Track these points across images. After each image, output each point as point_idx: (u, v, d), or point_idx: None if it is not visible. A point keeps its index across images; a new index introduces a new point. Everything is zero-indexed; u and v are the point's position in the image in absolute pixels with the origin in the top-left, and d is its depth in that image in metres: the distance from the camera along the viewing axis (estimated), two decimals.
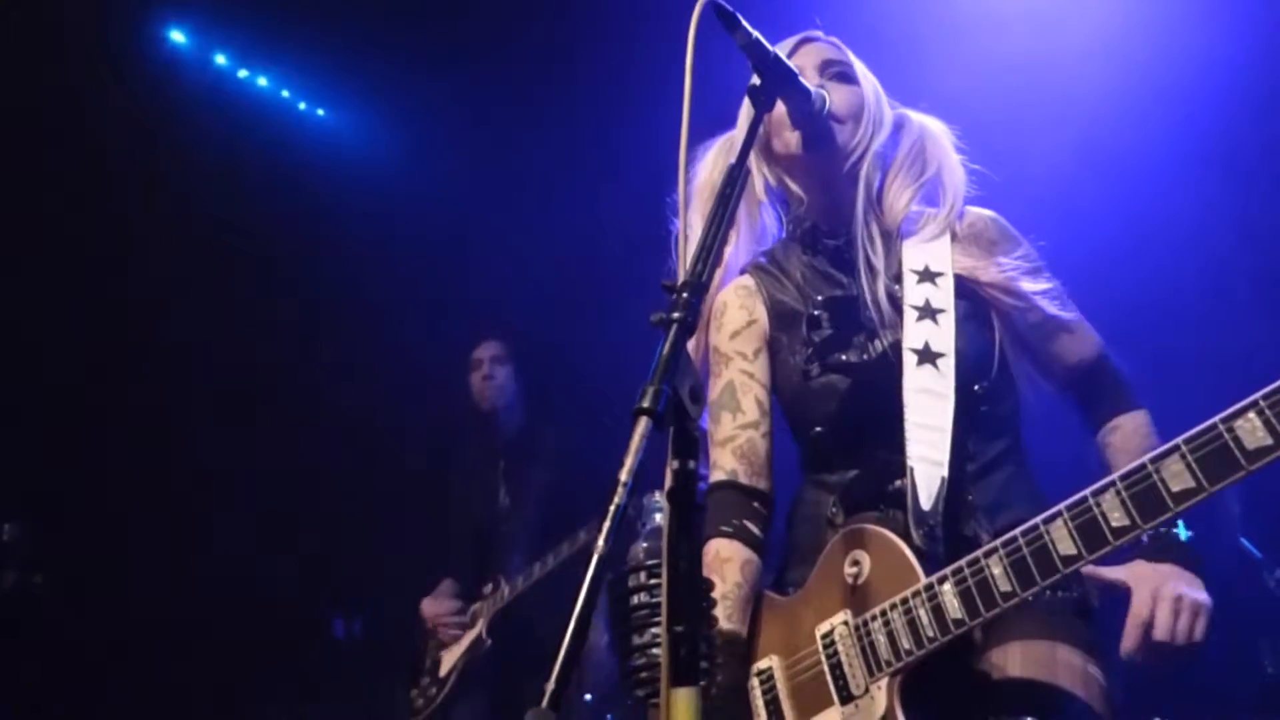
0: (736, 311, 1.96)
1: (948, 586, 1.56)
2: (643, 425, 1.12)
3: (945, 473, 1.68)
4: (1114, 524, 1.39)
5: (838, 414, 1.84)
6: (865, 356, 1.83)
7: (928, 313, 1.79)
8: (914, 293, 1.81)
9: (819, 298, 1.89)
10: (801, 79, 1.64)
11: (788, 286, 1.95)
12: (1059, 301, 1.83)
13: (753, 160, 1.93)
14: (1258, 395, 1.30)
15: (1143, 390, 1.83)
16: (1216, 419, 1.33)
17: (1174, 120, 4.12)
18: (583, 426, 3.99)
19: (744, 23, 1.54)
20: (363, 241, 5.06)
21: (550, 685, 0.93)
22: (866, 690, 1.62)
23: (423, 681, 3.95)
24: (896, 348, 1.79)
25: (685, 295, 1.27)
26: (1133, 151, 4.12)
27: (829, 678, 1.67)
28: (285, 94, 5.40)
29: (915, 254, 1.86)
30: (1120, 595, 1.59)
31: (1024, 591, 1.48)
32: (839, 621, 1.68)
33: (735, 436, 1.87)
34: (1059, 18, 4.27)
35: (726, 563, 1.79)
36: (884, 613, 1.62)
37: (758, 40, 1.56)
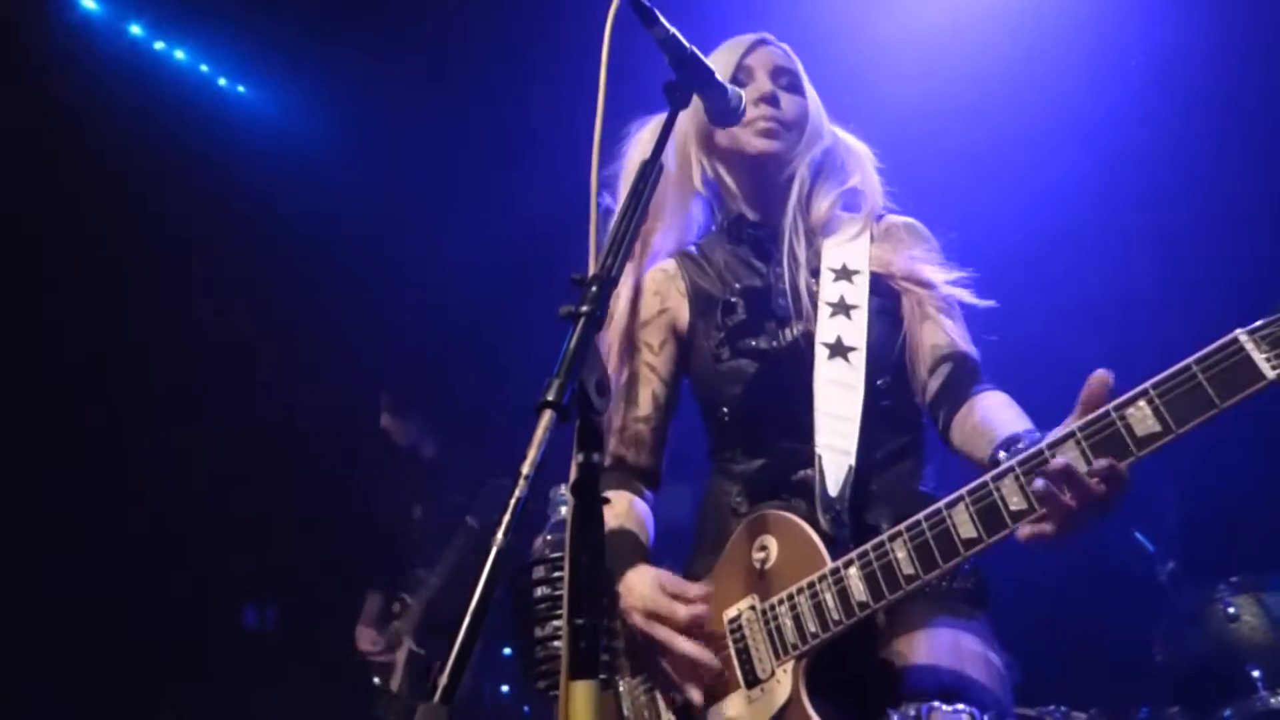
0: (651, 298, 2.02)
1: (853, 570, 1.58)
2: (546, 418, 1.13)
3: (853, 461, 1.72)
4: (1013, 507, 1.42)
5: (744, 397, 1.88)
6: (775, 344, 1.87)
7: (841, 308, 1.84)
8: (830, 289, 1.86)
9: (737, 285, 1.94)
10: (717, 77, 1.65)
11: (709, 273, 2.00)
12: (959, 293, 1.87)
13: (692, 151, 2.00)
14: (1148, 384, 1.34)
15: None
16: (1109, 406, 1.36)
17: (1082, 121, 4.25)
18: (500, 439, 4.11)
19: (661, 18, 1.55)
20: (282, 223, 4.94)
21: (443, 680, 0.93)
22: (772, 674, 1.64)
23: (391, 704, 4.20)
24: (808, 338, 1.84)
25: (594, 289, 1.28)
26: (1040, 151, 4.22)
27: (735, 662, 1.69)
28: (204, 68, 5.24)
29: (834, 253, 1.91)
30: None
31: (926, 574, 1.51)
32: (746, 607, 1.71)
33: (626, 427, 1.98)
34: (974, 19, 4.35)
35: (616, 499, 1.88)
36: (790, 597, 1.65)
37: (674, 36, 1.57)
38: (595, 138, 1.40)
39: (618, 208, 1.92)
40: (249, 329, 4.93)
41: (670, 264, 2.05)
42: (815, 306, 1.85)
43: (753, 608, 1.70)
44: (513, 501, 1.06)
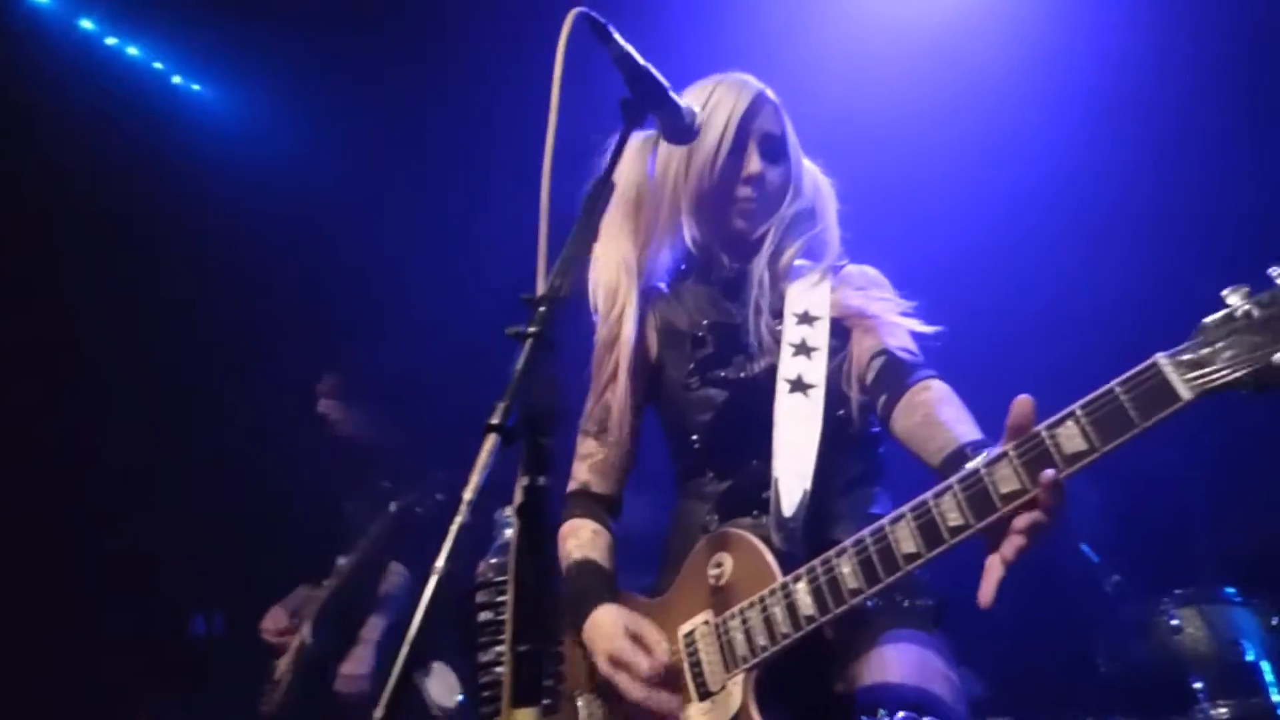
0: (608, 300, 2.06)
1: (801, 585, 1.64)
2: (490, 442, 1.12)
3: (808, 485, 1.79)
4: (950, 524, 1.48)
5: (713, 424, 1.98)
6: (742, 375, 1.98)
7: (803, 350, 1.94)
8: (793, 332, 1.96)
9: (705, 321, 2.05)
10: (672, 94, 1.64)
11: (679, 311, 2.10)
12: (906, 322, 1.93)
13: (682, 206, 2.04)
14: (1075, 405, 1.39)
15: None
16: (1041, 426, 1.42)
17: (1028, 135, 4.31)
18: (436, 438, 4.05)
19: (616, 36, 1.54)
20: (236, 223, 4.85)
21: (380, 712, 0.91)
22: (723, 686, 1.69)
23: (265, 689, 4.02)
24: (771, 372, 1.93)
25: (543, 309, 1.27)
26: (985, 164, 4.27)
27: (688, 676, 1.75)
28: (158, 66, 5.14)
29: (798, 298, 2.01)
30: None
31: (870, 588, 1.56)
32: (700, 621, 1.77)
33: (595, 455, 2.08)
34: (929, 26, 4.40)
35: (581, 527, 2.01)
36: (742, 611, 1.70)
37: (629, 53, 1.56)
38: (546, 155, 1.39)
39: (623, 213, 2.06)
40: (198, 328, 4.84)
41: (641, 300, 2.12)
42: (778, 345, 1.95)
43: (706, 622, 1.75)
44: (454, 527, 1.05)
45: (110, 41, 4.95)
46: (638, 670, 1.71)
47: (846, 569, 1.58)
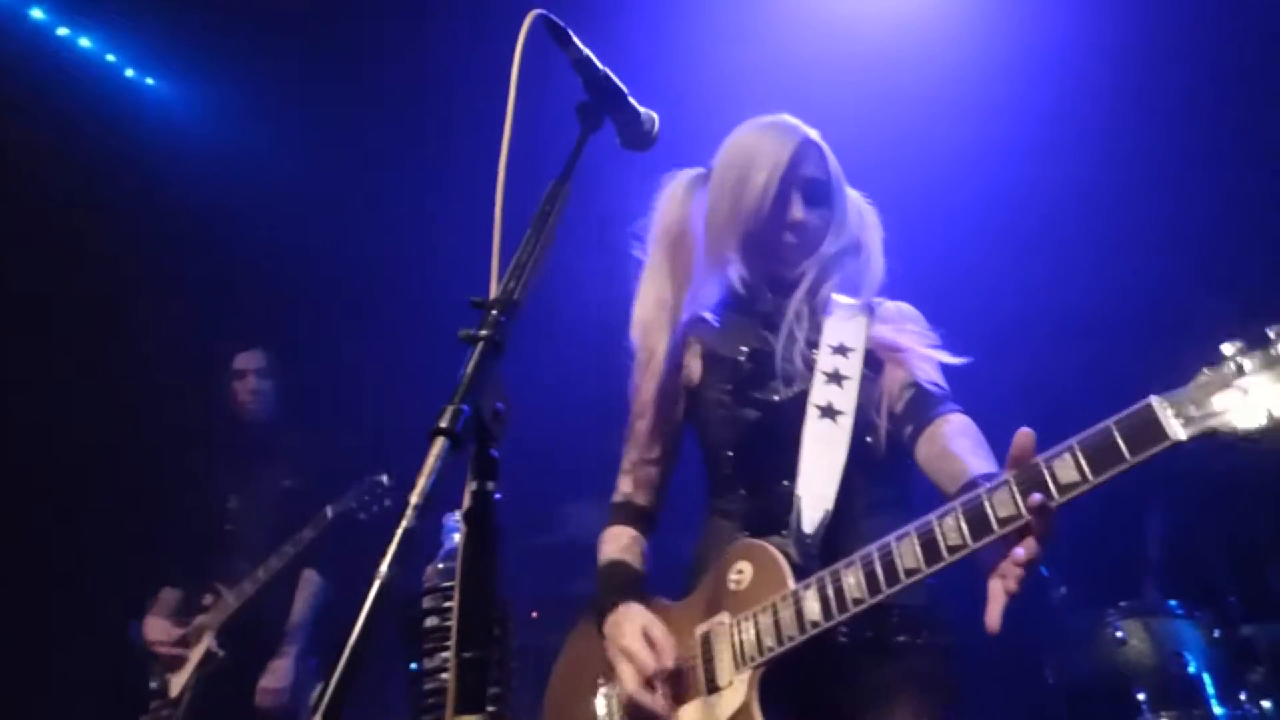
0: (641, 335, 2.22)
1: (810, 592, 1.76)
2: (439, 445, 1.10)
3: (830, 506, 1.90)
4: (949, 543, 1.59)
5: (745, 442, 2.09)
6: (775, 398, 2.08)
7: (835, 379, 2.05)
8: (826, 361, 2.07)
9: (745, 348, 2.15)
10: (631, 100, 1.64)
11: (722, 339, 2.20)
12: (936, 354, 2.05)
13: (729, 245, 2.15)
14: (1073, 440, 1.49)
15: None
16: (1040, 458, 1.52)
17: (997, 129, 4.36)
18: (341, 429, 3.95)
19: (575, 39, 1.54)
20: (188, 220, 4.77)
21: (317, 718, 0.89)
22: (731, 682, 1.82)
23: (152, 705, 3.78)
24: (802, 397, 2.03)
25: (495, 313, 1.25)
26: (955, 159, 4.32)
27: (700, 670, 1.88)
28: (111, 58, 5.05)
29: (834, 330, 2.11)
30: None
31: (871, 598, 1.67)
32: (716, 622, 1.90)
33: (638, 468, 2.22)
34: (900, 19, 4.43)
35: (620, 533, 2.16)
36: (755, 615, 1.83)
37: (588, 57, 1.56)
38: (501, 157, 1.37)
39: (669, 255, 2.20)
40: (143, 332, 4.74)
41: (690, 336, 2.25)
42: (811, 372, 2.06)
43: (722, 623, 1.89)
44: (399, 531, 1.03)
45: (62, 33, 4.86)
46: (642, 666, 1.85)
47: (851, 580, 1.70)
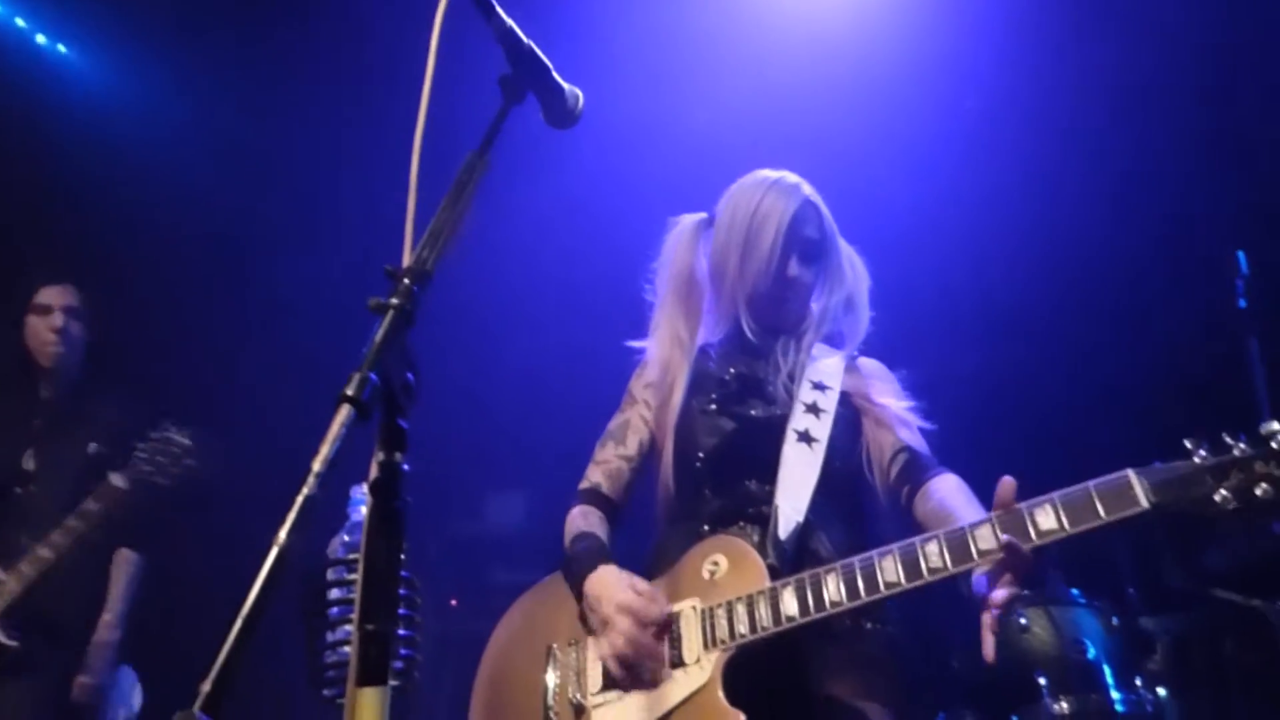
0: (662, 370, 2.38)
1: (789, 591, 1.89)
2: (344, 413, 1.08)
3: (801, 518, 2.08)
4: (931, 564, 1.78)
5: (719, 448, 2.23)
6: (753, 413, 2.26)
7: (813, 410, 2.24)
8: (807, 394, 2.26)
9: (732, 370, 2.33)
10: (555, 75, 1.63)
11: (712, 365, 2.37)
12: (910, 418, 2.26)
13: (737, 294, 2.32)
14: (1055, 494, 1.71)
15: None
16: (1022, 505, 1.74)
17: (928, 128, 4.44)
18: (155, 401, 3.58)
19: (499, 10, 1.52)
20: (101, 191, 4.61)
21: (206, 687, 0.87)
22: (698, 660, 1.92)
23: None
24: (781, 420, 2.22)
25: (407, 281, 1.24)
26: (885, 159, 4.39)
27: (667, 647, 1.98)
28: (20, 23, 4.85)
29: (816, 371, 2.31)
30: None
31: (849, 603, 1.82)
32: (688, 606, 2.00)
33: (610, 461, 2.34)
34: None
35: (589, 511, 2.27)
36: (729, 604, 1.94)
37: (511, 29, 1.54)
38: (418, 126, 1.35)
39: (677, 301, 2.38)
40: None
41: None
42: (792, 400, 2.24)
43: (694, 607, 1.99)
44: (300, 499, 1.00)
45: None
46: (645, 615, 1.95)
47: (832, 584, 1.85)
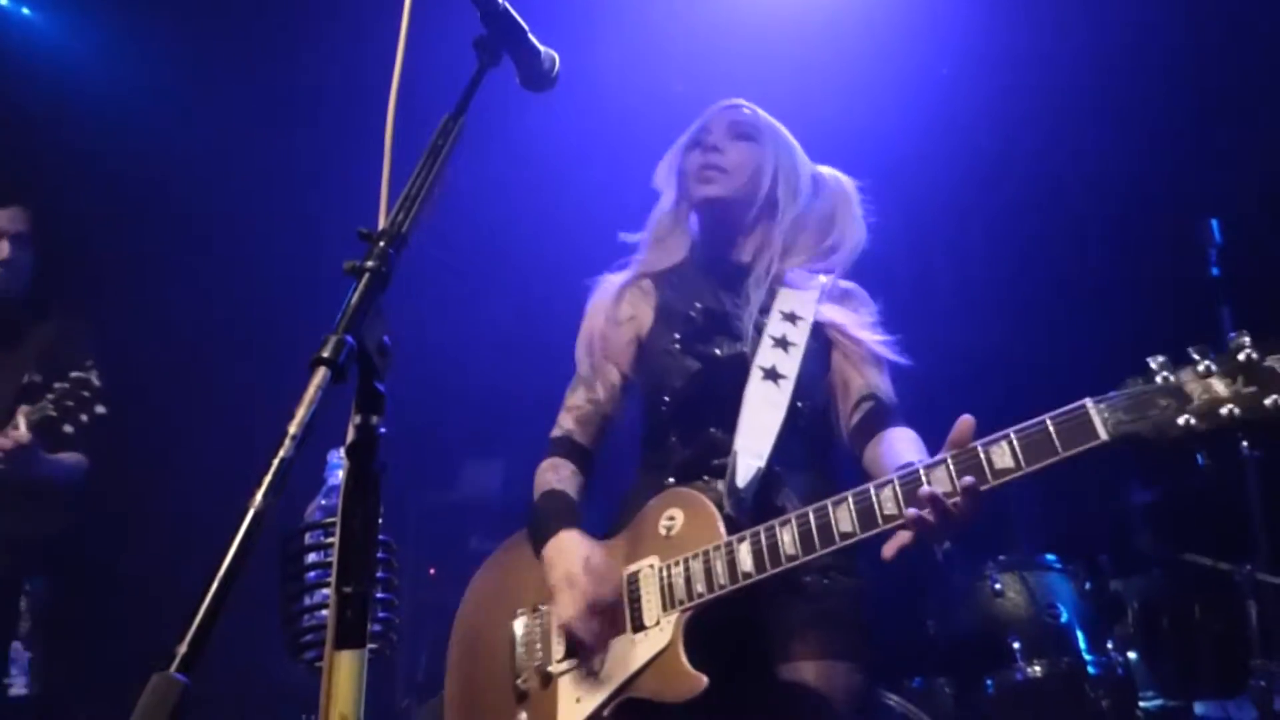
0: (625, 306, 2.32)
1: (744, 545, 1.83)
2: (320, 375, 1.07)
3: (762, 464, 1.99)
4: (885, 511, 1.69)
5: (684, 390, 2.17)
6: (718, 353, 2.18)
7: (781, 344, 2.15)
8: (776, 327, 2.17)
9: (699, 305, 2.25)
10: (531, 37, 1.61)
11: (677, 292, 2.30)
12: (884, 351, 2.16)
13: (682, 197, 2.31)
14: (1010, 430, 1.62)
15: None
16: (978, 443, 1.64)
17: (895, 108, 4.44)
18: (101, 333, 3.48)
19: None
20: (66, 158, 4.52)
21: (182, 648, 0.86)
22: (658, 622, 1.89)
23: None
24: (744, 357, 2.14)
25: (382, 244, 1.23)
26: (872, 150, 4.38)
27: (626, 609, 1.95)
28: None
29: (788, 300, 2.21)
30: None
31: (805, 556, 1.77)
32: (646, 565, 1.96)
33: (582, 407, 2.28)
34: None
35: (560, 464, 2.22)
36: (685, 561, 1.90)
37: None
38: (393, 87, 1.34)
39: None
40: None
41: (647, 283, 2.35)
42: (761, 336, 2.15)
43: (651, 566, 1.95)
44: (276, 461, 1.00)
45: None
46: (585, 593, 1.91)
47: (786, 537, 1.78)
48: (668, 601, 1.89)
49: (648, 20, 4.34)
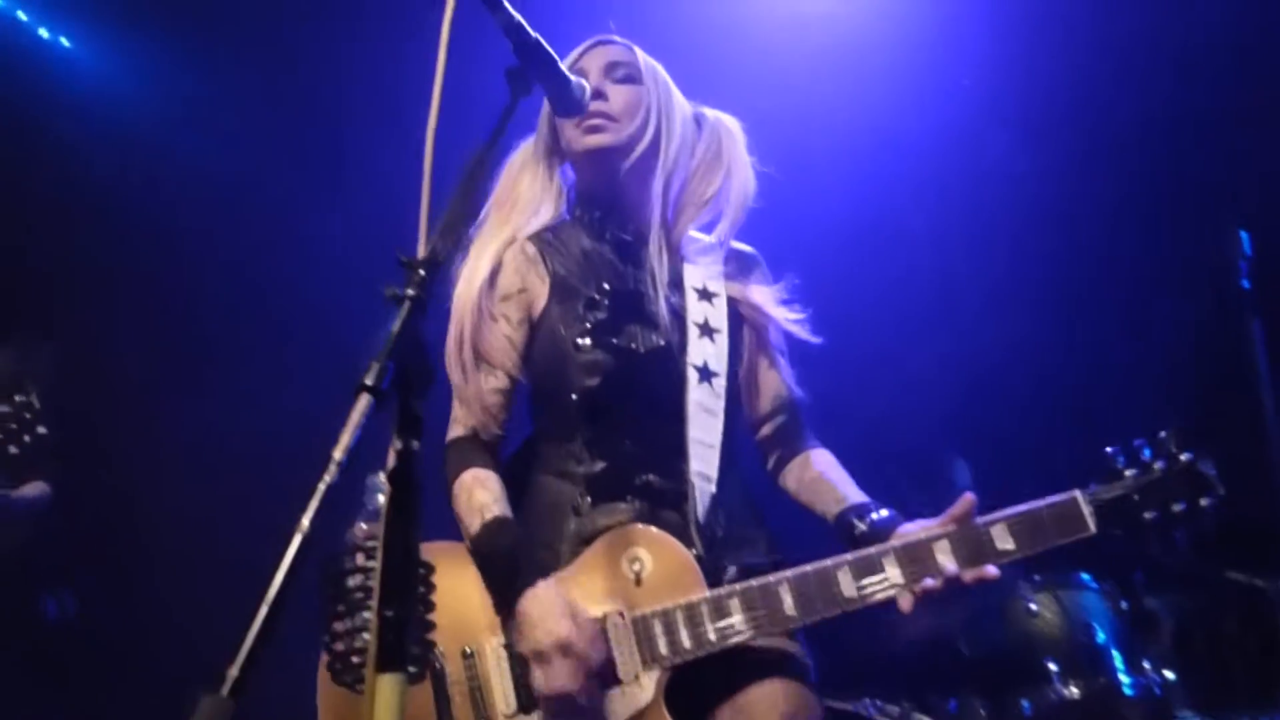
0: (511, 275, 2.02)
1: (735, 603, 1.76)
2: (363, 402, 1.09)
3: (713, 490, 1.88)
4: (892, 580, 1.74)
5: (597, 390, 1.91)
6: (632, 346, 1.93)
7: (707, 331, 1.96)
8: (695, 309, 1.97)
9: (603, 284, 1.98)
10: (562, 66, 1.64)
11: (570, 263, 2.02)
12: (795, 329, 2.04)
13: (551, 145, 2.08)
14: (1010, 511, 1.75)
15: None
16: (980, 520, 1.75)
17: (916, 118, 4.43)
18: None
19: (505, 3, 1.53)
20: (103, 189, 4.61)
21: (234, 671, 0.88)
22: (636, 678, 1.76)
23: None
24: (669, 351, 1.93)
25: (421, 272, 1.25)
26: (860, 151, 4.37)
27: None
28: (22, 16, 4.84)
29: (695, 273, 2.01)
30: None
31: (805, 620, 1.76)
32: (614, 612, 1.79)
33: (483, 397, 1.96)
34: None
35: (489, 479, 1.92)
36: (666, 613, 1.77)
37: (520, 23, 1.55)
38: (431, 120, 1.36)
39: (509, 227, 2.04)
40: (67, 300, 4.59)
41: (529, 247, 2.05)
42: (684, 324, 1.95)
43: (621, 614, 1.78)
44: (321, 486, 1.02)
45: None
46: (582, 660, 1.70)
47: (788, 599, 1.75)
48: (646, 657, 1.76)
49: (650, 21, 4.35)
